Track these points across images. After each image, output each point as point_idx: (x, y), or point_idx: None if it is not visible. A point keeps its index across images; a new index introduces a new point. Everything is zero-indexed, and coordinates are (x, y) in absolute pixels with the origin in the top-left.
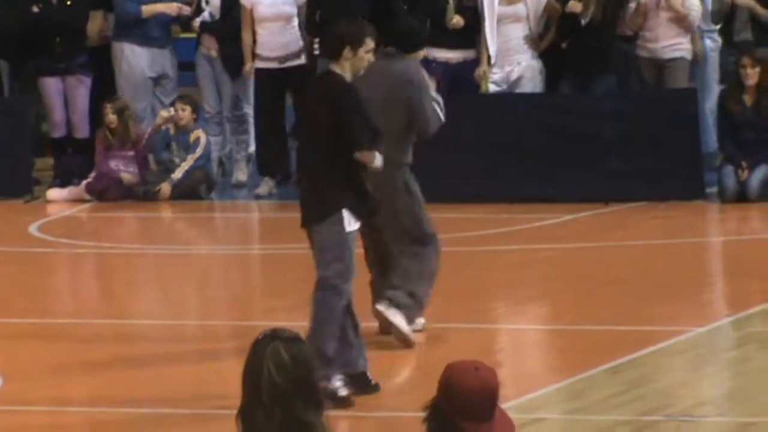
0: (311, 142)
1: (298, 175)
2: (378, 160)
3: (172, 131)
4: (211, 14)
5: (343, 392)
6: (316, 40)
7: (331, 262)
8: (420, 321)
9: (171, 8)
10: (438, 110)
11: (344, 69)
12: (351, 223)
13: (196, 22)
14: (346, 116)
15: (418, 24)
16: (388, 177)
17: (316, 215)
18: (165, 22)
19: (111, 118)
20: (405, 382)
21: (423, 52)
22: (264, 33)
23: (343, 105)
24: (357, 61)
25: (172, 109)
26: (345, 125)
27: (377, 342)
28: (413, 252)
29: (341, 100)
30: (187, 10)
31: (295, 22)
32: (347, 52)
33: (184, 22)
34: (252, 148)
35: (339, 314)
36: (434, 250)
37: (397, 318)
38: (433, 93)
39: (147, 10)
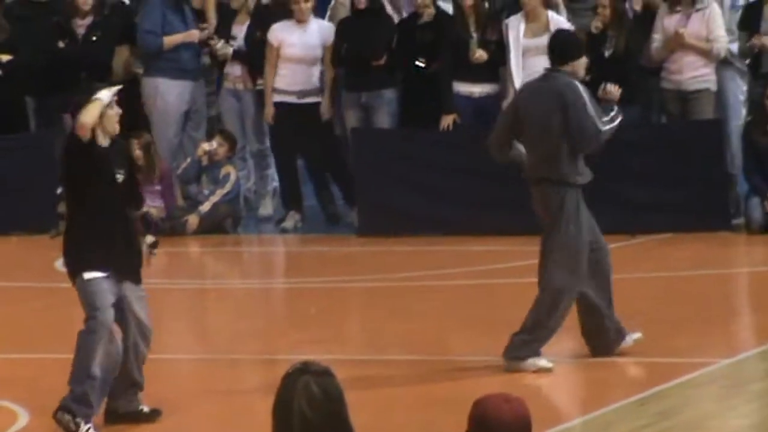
0: None
1: None
2: None
3: (205, 163)
4: (240, 47)
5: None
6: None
7: None
8: (633, 336)
9: (191, 36)
10: (598, 124)
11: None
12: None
13: (229, 50)
14: None
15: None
16: (545, 194)
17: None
18: (196, 54)
19: (137, 153)
20: None
21: (584, 60)
22: (287, 70)
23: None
24: (106, 121)
25: (214, 143)
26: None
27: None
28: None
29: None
30: (206, 33)
31: (319, 63)
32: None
33: (210, 51)
34: (276, 182)
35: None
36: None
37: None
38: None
39: (168, 41)
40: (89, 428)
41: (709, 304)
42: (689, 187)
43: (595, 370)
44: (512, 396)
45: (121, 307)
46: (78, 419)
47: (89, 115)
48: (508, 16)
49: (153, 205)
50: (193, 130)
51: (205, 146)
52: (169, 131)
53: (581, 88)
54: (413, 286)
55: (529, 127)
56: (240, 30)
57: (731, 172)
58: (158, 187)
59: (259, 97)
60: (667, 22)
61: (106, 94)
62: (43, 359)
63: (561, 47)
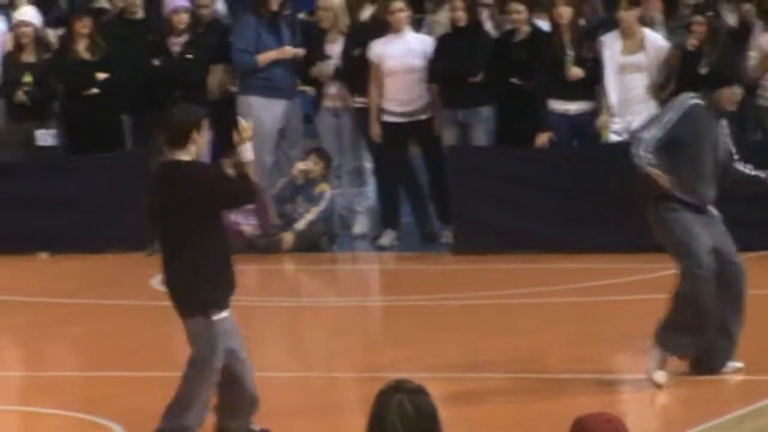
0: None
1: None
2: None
3: (299, 182)
4: (336, 66)
5: None
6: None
7: None
8: (734, 364)
9: (284, 53)
10: (644, 134)
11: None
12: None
13: (329, 68)
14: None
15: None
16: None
17: (185, 310)
18: (290, 73)
19: (229, 172)
20: None
21: (731, 90)
22: (391, 86)
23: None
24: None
25: (309, 162)
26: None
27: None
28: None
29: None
30: (301, 52)
31: (422, 76)
32: (196, 135)
33: (303, 72)
34: (371, 200)
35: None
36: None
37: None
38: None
39: (262, 58)
40: None
41: None
42: None
43: (692, 387)
44: (613, 415)
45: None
46: None
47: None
48: (604, 34)
49: (248, 223)
50: (289, 149)
51: (300, 166)
52: (262, 150)
53: (683, 109)
54: (509, 304)
55: None
56: (332, 49)
57: None
58: (252, 206)
59: (358, 114)
60: (763, 39)
61: (251, 149)
62: (140, 377)
63: (712, 76)
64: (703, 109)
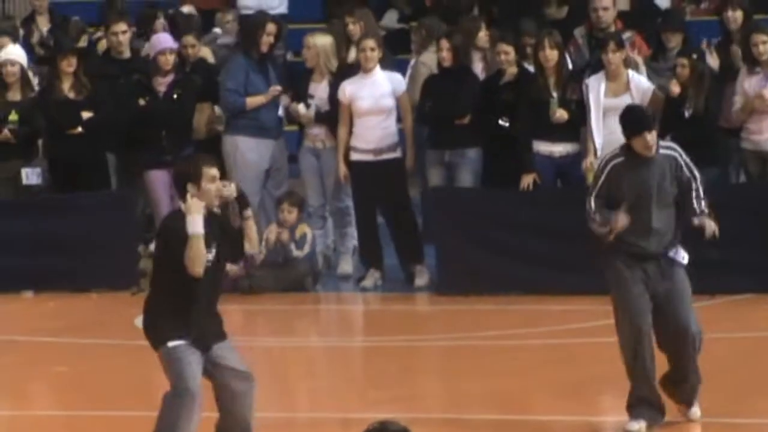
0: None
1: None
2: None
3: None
4: (318, 107)
5: None
6: None
7: None
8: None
9: (270, 94)
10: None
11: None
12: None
13: (310, 112)
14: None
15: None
16: None
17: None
18: (277, 113)
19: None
20: None
21: (642, 137)
22: (361, 126)
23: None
24: (203, 195)
25: (284, 212)
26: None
27: None
28: None
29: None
30: (285, 91)
31: (393, 115)
32: (191, 188)
33: (287, 112)
34: (356, 240)
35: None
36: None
37: None
38: None
39: (250, 102)
40: None
41: None
42: None
43: (671, 430)
44: None
45: (209, 370)
46: None
47: (200, 261)
48: (589, 76)
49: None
50: (275, 189)
51: (273, 230)
52: (249, 190)
53: (604, 171)
54: (493, 345)
55: None
56: (316, 89)
57: None
58: None
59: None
60: (747, 83)
61: (198, 222)
62: (124, 416)
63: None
64: (619, 166)
